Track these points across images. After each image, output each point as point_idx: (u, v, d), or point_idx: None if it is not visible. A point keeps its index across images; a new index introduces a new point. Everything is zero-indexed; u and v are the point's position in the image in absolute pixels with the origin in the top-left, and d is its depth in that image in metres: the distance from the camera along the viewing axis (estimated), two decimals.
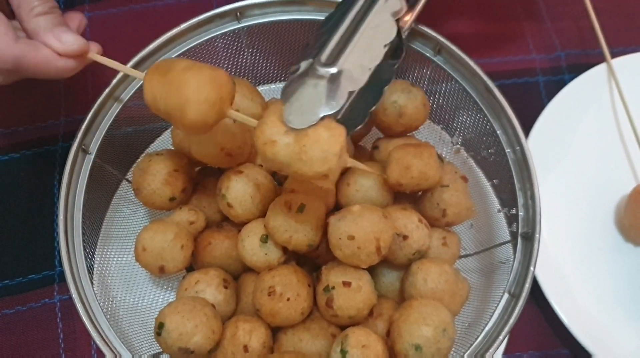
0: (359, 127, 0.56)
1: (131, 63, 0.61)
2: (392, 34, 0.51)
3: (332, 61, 0.48)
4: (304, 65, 0.48)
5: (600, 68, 0.78)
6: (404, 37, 0.58)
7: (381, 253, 0.52)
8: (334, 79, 0.47)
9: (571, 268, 0.70)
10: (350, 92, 0.47)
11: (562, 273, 0.70)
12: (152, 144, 0.68)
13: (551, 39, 0.85)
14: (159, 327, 0.51)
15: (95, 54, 0.55)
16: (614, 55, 0.78)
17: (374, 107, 0.56)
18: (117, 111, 0.61)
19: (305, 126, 0.44)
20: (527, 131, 0.73)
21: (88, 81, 0.80)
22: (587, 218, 0.74)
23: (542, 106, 0.76)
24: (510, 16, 0.86)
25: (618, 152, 0.77)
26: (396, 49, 0.56)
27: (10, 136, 0.76)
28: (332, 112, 0.45)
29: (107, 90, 0.60)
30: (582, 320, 0.66)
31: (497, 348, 0.50)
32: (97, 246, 0.62)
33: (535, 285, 0.66)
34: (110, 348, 0.52)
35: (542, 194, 0.66)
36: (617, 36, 0.82)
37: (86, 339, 0.67)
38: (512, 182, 0.58)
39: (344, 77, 0.47)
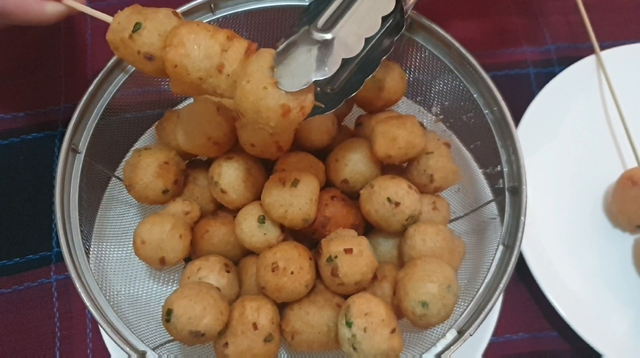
0: (354, 94, 0.56)
1: (111, 62, 0.62)
2: (390, 7, 0.52)
3: (328, 27, 0.49)
4: (300, 29, 0.48)
5: (589, 60, 0.81)
6: (407, 14, 0.58)
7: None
8: (328, 45, 0.47)
9: (561, 253, 0.72)
10: (344, 60, 0.47)
11: (552, 258, 0.71)
12: (139, 139, 0.69)
13: (542, 32, 0.88)
14: (167, 313, 0.51)
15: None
16: (603, 49, 0.81)
17: (370, 76, 0.56)
18: (104, 107, 0.62)
19: (296, 89, 0.45)
20: (517, 120, 0.76)
21: (87, 68, 0.82)
22: (577, 205, 0.75)
23: (533, 97, 0.78)
24: (502, 10, 0.90)
25: (606, 140, 0.79)
26: (397, 25, 0.56)
27: (10, 121, 0.78)
28: (323, 77, 0.46)
29: (91, 87, 0.61)
30: (571, 303, 0.68)
31: (498, 297, 0.52)
32: (92, 244, 0.62)
33: (525, 269, 0.68)
34: (109, 324, 0.52)
35: (533, 181, 0.68)
36: (606, 31, 0.85)
37: (82, 318, 0.69)
38: (494, 141, 0.60)
39: (338, 44, 0.48)
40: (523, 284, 0.71)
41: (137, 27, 0.49)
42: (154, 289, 0.64)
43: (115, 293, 0.60)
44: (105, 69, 0.61)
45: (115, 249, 0.65)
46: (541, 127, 0.77)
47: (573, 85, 0.80)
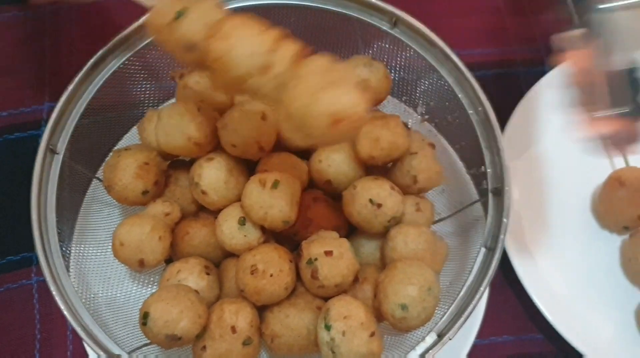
0: None
1: (96, 56, 0.61)
2: None
3: None
4: None
5: None
6: None
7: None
8: None
9: (547, 254, 0.71)
10: None
11: (539, 259, 0.70)
12: (120, 141, 0.68)
13: (532, 31, 0.87)
14: (144, 317, 0.51)
15: None
16: None
17: None
18: (83, 107, 0.61)
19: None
20: (506, 120, 0.75)
21: (73, 67, 0.79)
22: (564, 206, 0.74)
23: (522, 96, 0.77)
24: (493, 9, 0.89)
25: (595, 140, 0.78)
26: None
27: None
28: None
29: (70, 87, 0.60)
30: (557, 306, 0.67)
31: (479, 300, 0.51)
32: (73, 245, 0.61)
33: (511, 271, 0.68)
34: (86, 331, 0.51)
35: (520, 182, 0.69)
36: None
37: (62, 320, 0.67)
38: (478, 142, 0.59)
39: None
40: (509, 286, 0.70)
41: (180, 13, 0.47)
42: (135, 291, 0.64)
43: (92, 295, 0.59)
44: (85, 68, 0.60)
45: (97, 250, 0.64)
46: (529, 127, 0.76)
47: (562, 84, 0.78)
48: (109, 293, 0.62)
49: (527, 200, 0.73)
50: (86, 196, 0.66)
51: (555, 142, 0.77)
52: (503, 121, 0.75)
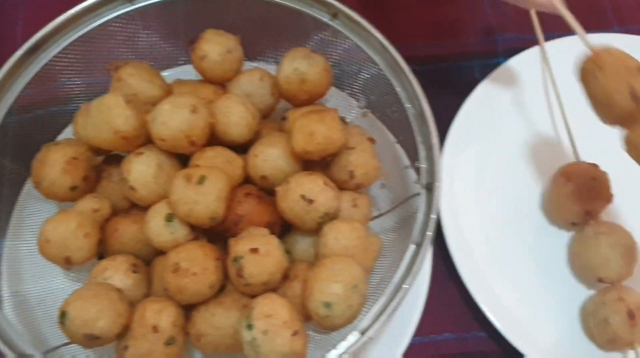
0: None
1: (21, 51, 0.59)
2: None
3: None
4: None
5: (533, 51, 0.78)
6: None
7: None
8: None
9: (492, 251, 0.70)
10: None
11: (482, 256, 0.69)
12: (60, 136, 0.67)
13: (489, 23, 0.85)
14: (62, 316, 0.50)
15: None
16: (552, 39, 0.78)
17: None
18: (10, 101, 0.60)
19: None
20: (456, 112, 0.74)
21: None
22: (514, 202, 0.73)
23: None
24: (449, 0, 0.87)
25: (547, 135, 0.76)
26: None
27: None
28: None
29: None
30: (499, 303, 0.65)
31: (402, 298, 0.50)
32: (7, 241, 0.61)
33: (453, 267, 0.66)
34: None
35: (470, 176, 0.68)
36: (555, 24, 0.81)
37: None
38: (414, 136, 0.58)
39: None
40: (453, 283, 0.68)
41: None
42: (67, 288, 0.62)
43: (14, 292, 0.58)
44: (11, 61, 0.59)
45: (30, 247, 0.62)
46: (479, 122, 0.75)
47: (515, 78, 0.77)
48: (41, 291, 0.61)
49: (473, 196, 0.72)
50: (22, 192, 0.65)
51: (508, 136, 0.76)
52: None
